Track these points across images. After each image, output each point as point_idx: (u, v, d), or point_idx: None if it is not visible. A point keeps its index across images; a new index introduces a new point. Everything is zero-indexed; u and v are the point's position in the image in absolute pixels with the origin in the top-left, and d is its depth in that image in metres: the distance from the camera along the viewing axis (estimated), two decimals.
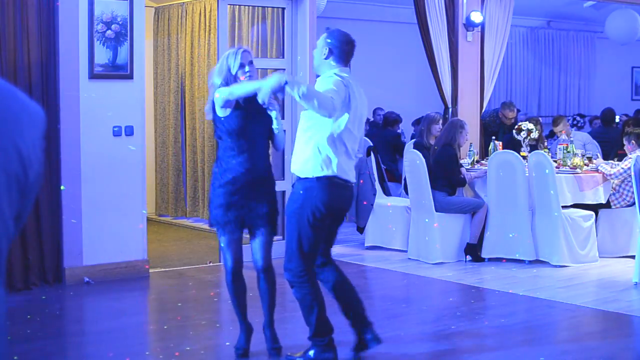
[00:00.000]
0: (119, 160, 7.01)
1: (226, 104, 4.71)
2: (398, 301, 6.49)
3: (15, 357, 4.74)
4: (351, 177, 4.64)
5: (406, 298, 6.84)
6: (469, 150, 8.80)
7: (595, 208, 8.08)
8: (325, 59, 4.62)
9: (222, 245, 4.90)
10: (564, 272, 7.44)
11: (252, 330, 4.99)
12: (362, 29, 12.34)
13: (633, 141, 7.84)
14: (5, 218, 1.49)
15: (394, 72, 12.57)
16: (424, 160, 7.87)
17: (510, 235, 7.81)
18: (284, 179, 8.02)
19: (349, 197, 4.66)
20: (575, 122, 12.86)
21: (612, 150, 10.19)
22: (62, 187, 6.73)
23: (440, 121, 8.33)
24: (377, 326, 5.60)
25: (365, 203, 8.57)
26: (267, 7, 8.49)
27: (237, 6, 8.81)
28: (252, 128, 4.77)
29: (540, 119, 10.01)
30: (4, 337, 1.53)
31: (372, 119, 11.52)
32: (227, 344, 5.18)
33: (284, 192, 7.98)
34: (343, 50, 4.62)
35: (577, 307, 6.22)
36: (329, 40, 4.63)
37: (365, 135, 8.09)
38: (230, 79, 4.77)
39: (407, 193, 8.56)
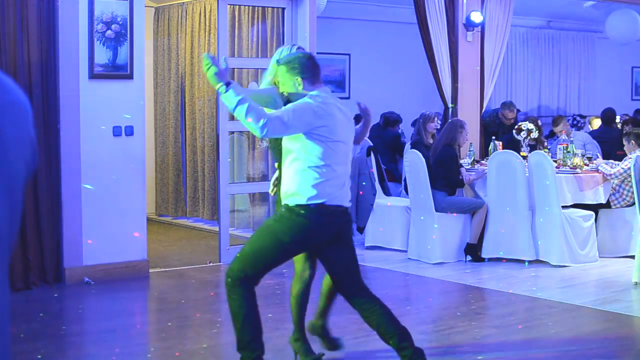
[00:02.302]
0: (119, 160, 7.01)
1: None
2: (398, 301, 6.48)
3: (15, 357, 4.74)
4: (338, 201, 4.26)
5: (406, 298, 6.84)
6: (469, 150, 8.80)
7: (595, 208, 8.07)
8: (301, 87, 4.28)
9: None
10: (564, 272, 7.44)
11: None
12: (362, 29, 12.36)
13: (633, 141, 7.84)
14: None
15: (394, 72, 12.56)
16: (423, 160, 7.87)
17: (502, 231, 7.80)
18: None
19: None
20: (575, 122, 12.84)
21: (612, 150, 10.18)
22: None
23: (436, 119, 8.34)
24: None
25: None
26: (267, 7, 8.49)
27: (237, 6, 8.82)
28: None
29: (538, 120, 10.00)
30: (7, 334, 1.54)
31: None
32: (228, 343, 5.18)
33: None
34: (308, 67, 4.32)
35: (577, 307, 6.22)
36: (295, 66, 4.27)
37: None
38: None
39: (407, 193, 8.56)
